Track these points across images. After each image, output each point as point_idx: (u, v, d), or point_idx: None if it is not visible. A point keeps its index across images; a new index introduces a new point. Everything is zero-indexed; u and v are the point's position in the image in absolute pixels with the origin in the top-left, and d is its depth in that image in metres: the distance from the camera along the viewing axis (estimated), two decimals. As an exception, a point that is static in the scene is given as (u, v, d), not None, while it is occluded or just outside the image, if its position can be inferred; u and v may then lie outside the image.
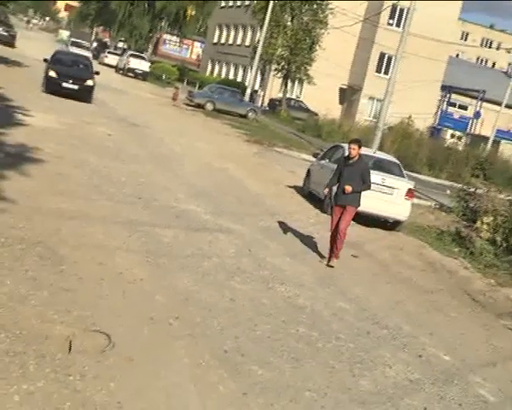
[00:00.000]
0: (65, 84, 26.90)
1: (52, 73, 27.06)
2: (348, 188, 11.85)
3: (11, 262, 7.86)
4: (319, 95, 53.37)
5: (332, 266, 11.85)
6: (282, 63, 51.04)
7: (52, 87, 26.83)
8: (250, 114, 43.69)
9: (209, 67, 76.91)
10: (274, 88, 57.28)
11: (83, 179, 13.54)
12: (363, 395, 6.90)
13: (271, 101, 56.05)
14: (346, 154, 12.12)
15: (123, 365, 6.05)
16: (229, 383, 6.33)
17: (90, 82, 27.64)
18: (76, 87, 26.97)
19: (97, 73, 29.22)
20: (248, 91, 49.35)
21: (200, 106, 42.48)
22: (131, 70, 57.99)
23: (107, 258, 8.94)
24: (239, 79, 65.67)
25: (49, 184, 12.34)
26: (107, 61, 63.90)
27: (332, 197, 12.45)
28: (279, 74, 52.11)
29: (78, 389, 5.42)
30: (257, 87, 58.39)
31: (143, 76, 57.71)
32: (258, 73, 57.98)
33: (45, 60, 29.03)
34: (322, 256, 12.32)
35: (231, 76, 68.04)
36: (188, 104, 42.79)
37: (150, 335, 6.92)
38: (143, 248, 9.91)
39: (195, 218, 12.85)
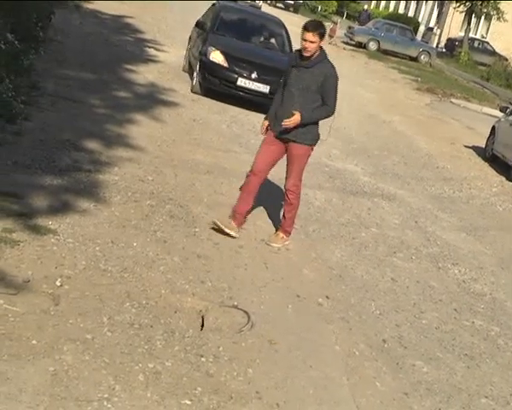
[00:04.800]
0: (243, 82, 15.98)
1: (217, 56, 16.02)
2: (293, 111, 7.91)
3: (138, 221, 8.11)
4: (511, 34, 51.59)
5: (272, 245, 8.55)
6: (466, -6, 49.74)
7: (215, 84, 16.12)
8: (422, 56, 43.00)
9: (374, -2, 76.13)
10: (453, 25, 55.96)
11: (222, 128, 13.79)
12: (555, 410, 6.66)
13: (449, 41, 54.85)
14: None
15: (263, 348, 6.12)
16: (388, 379, 6.28)
17: None
18: (266, 89, 15.84)
19: None
20: (422, 29, 48.47)
21: (361, 45, 42.22)
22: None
23: (248, 222, 9.05)
24: (410, 13, 64.55)
25: (184, 132, 12.65)
26: (251, -11, 64.04)
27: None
28: (461, 8, 50.78)
29: (210, 372, 5.53)
30: (432, 24, 57.23)
31: (295, 7, 57.86)
32: (435, 6, 56.75)
33: (199, 24, 18.08)
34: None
35: (401, 9, 66.98)
36: (347, 42, 42.57)
37: (296, 315, 6.96)
38: (290, 213, 9.95)
39: (352, 179, 12.80)
